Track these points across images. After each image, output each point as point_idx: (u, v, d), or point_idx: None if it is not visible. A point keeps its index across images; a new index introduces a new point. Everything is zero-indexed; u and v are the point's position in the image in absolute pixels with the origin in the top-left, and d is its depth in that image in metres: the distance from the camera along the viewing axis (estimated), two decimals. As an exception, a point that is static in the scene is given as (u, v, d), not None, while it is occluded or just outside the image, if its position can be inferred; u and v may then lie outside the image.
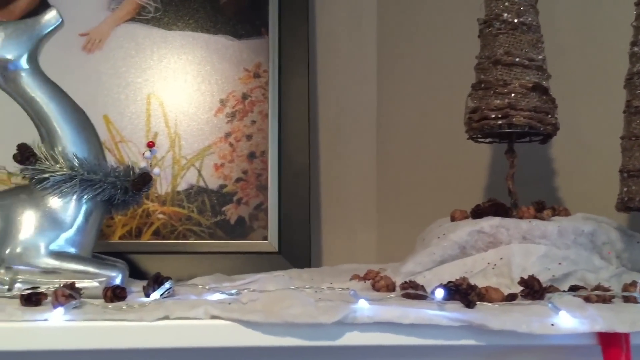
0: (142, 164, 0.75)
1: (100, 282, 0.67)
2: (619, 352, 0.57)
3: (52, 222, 0.68)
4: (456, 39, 1.10)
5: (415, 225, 0.87)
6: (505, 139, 0.85)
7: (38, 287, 0.63)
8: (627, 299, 0.65)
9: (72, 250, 0.69)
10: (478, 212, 0.79)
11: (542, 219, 0.76)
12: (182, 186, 1.02)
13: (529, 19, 0.81)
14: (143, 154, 0.77)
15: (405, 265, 0.77)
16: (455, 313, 0.57)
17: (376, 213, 1.21)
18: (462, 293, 0.61)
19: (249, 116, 1.06)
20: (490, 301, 0.63)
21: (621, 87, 0.79)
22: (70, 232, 0.69)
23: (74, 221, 0.69)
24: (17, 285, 0.66)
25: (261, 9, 1.08)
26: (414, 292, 0.64)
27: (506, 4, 0.81)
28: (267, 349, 0.57)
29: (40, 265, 0.67)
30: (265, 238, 1.03)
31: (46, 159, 0.69)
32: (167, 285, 0.64)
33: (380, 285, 0.72)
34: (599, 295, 0.64)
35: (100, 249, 0.74)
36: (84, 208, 0.70)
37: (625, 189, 0.76)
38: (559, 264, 0.72)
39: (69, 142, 0.70)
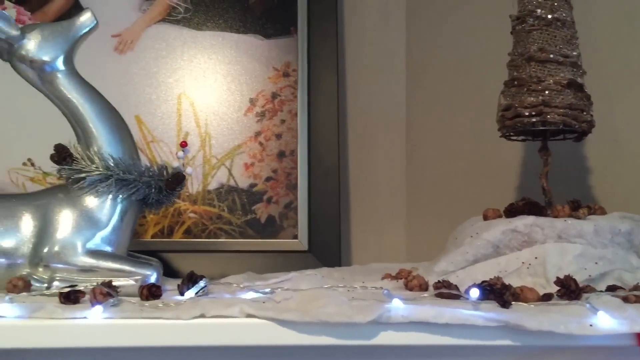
0: (175, 163, 0.75)
1: (136, 281, 0.67)
2: (659, 353, 0.56)
3: (89, 221, 0.70)
4: (486, 35, 1.09)
5: (444, 225, 0.86)
6: (539, 137, 0.84)
7: (76, 285, 0.64)
8: (666, 299, 0.64)
9: (108, 248, 0.70)
10: (512, 211, 0.78)
11: (578, 217, 0.75)
12: (212, 185, 1.03)
13: (563, 14, 0.80)
14: (176, 153, 0.78)
15: (438, 265, 0.76)
16: (491, 313, 0.57)
17: (405, 212, 1.20)
18: (497, 293, 0.61)
19: (279, 115, 1.06)
20: (525, 301, 0.62)
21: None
22: (106, 231, 0.70)
23: (109, 220, 0.71)
24: (55, 283, 0.67)
25: (290, 8, 1.09)
26: (447, 291, 0.63)
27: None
28: (301, 348, 0.57)
29: (78, 264, 0.68)
30: (295, 237, 1.03)
31: (82, 159, 0.70)
32: (201, 283, 0.65)
33: (413, 284, 0.72)
34: (637, 296, 0.63)
35: (132, 247, 0.75)
36: (119, 207, 0.71)
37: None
38: (596, 263, 0.71)
39: (104, 142, 0.71)
